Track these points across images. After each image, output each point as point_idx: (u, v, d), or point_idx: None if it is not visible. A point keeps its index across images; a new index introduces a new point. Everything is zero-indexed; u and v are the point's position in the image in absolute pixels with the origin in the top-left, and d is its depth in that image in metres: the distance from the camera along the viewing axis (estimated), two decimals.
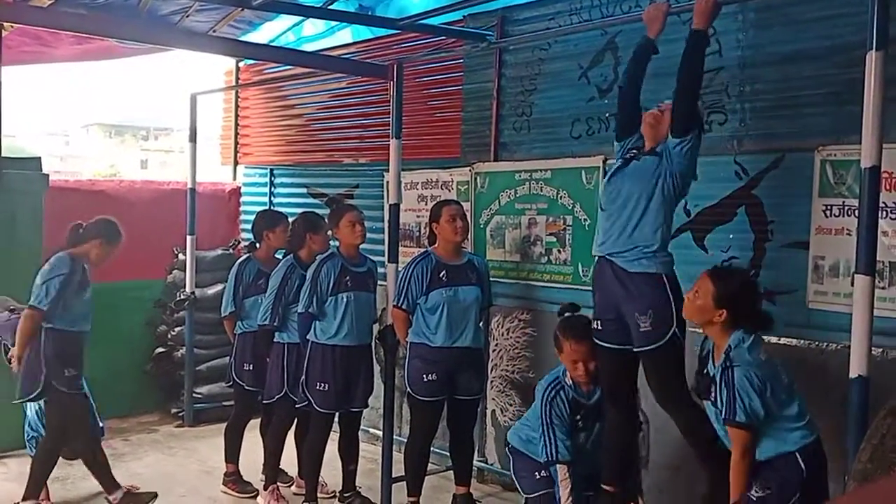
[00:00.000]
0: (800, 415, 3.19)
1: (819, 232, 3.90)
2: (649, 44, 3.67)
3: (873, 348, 3.21)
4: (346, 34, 6.56)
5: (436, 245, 4.76)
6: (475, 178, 5.53)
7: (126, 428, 6.57)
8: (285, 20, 6.72)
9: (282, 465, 5.26)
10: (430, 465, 4.90)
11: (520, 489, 4.04)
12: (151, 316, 7.10)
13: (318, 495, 4.98)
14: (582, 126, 4.98)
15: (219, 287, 6.46)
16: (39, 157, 6.56)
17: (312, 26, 6.75)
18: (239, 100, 7.76)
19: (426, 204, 5.64)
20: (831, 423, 3.43)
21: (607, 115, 4.80)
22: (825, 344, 3.87)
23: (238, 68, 7.70)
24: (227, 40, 6.49)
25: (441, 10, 5.17)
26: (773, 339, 3.81)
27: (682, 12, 3.82)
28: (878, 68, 3.08)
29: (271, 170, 7.45)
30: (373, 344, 5.07)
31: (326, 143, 6.91)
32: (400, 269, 4.87)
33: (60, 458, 4.96)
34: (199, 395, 6.83)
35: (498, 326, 5.41)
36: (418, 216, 5.84)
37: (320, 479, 5.03)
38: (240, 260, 5.44)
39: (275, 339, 5.05)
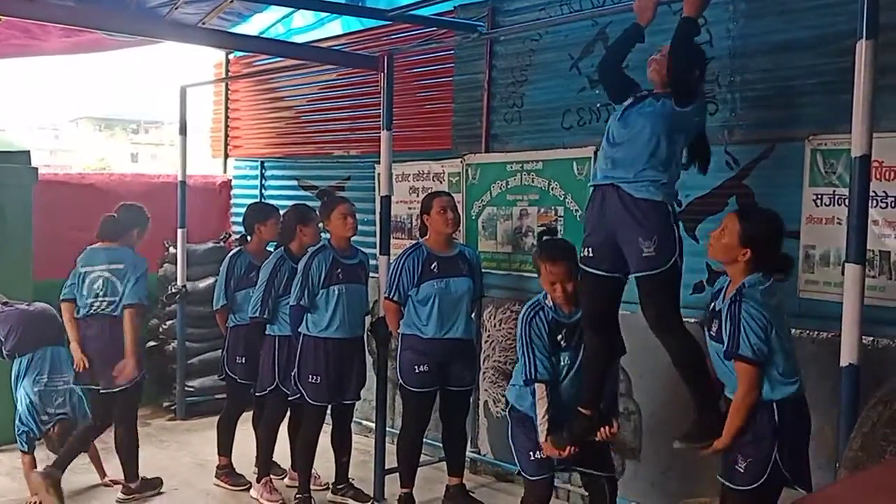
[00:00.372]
0: (793, 370, 3.19)
1: (810, 221, 3.91)
2: (638, 30, 3.65)
3: (864, 337, 3.22)
4: (335, 26, 6.54)
5: (427, 237, 4.75)
6: (466, 170, 5.53)
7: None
8: (274, 12, 6.68)
9: (274, 458, 5.26)
10: (422, 456, 4.91)
11: (517, 461, 3.98)
12: None
13: (311, 487, 4.98)
14: (573, 117, 4.98)
15: (210, 280, 6.45)
16: (29, 151, 6.52)
17: (302, 18, 6.72)
18: (229, 92, 7.74)
19: (417, 196, 5.63)
20: (822, 411, 3.44)
21: (598, 105, 4.80)
22: (816, 333, 3.88)
23: (228, 60, 7.67)
24: (217, 32, 6.46)
25: (431, 0, 5.15)
26: None
27: (673, 2, 3.81)
28: (868, 57, 3.08)
29: (262, 162, 7.43)
30: (365, 336, 5.06)
31: (317, 135, 6.89)
32: (391, 260, 4.86)
33: (50, 453, 4.98)
34: (192, 389, 6.82)
35: (490, 318, 5.42)
36: (410, 208, 5.83)
37: (313, 471, 5.03)
38: (231, 253, 5.43)
39: (266, 332, 5.04)
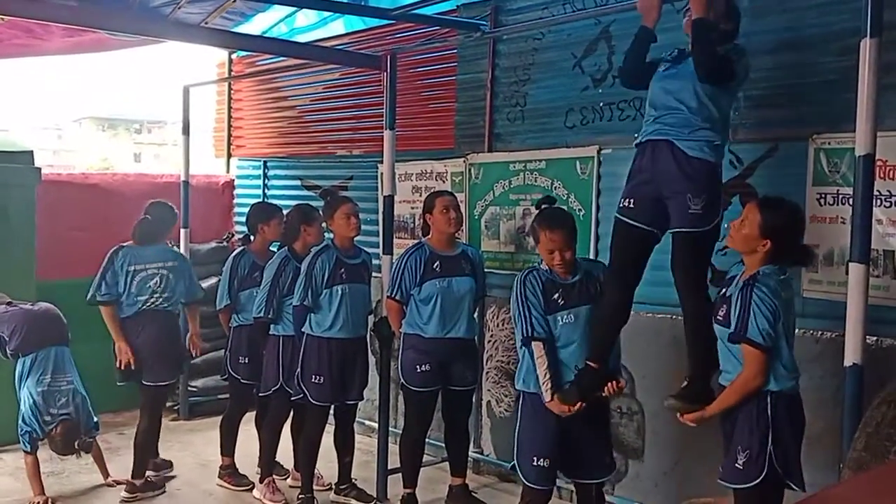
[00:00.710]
0: (790, 365, 3.18)
1: (813, 220, 3.89)
2: (648, 33, 3.63)
3: (868, 337, 3.21)
4: (338, 25, 6.53)
5: (429, 236, 4.75)
6: (469, 169, 5.52)
7: (121, 422, 6.54)
8: (277, 11, 6.69)
9: (277, 458, 5.26)
10: (425, 456, 4.90)
11: (516, 459, 3.90)
12: None
13: (314, 488, 4.98)
14: (576, 116, 4.97)
15: (213, 280, 6.44)
16: (32, 151, 6.52)
17: (305, 17, 6.72)
18: (232, 92, 7.74)
19: (420, 195, 5.63)
20: (826, 411, 3.43)
21: (601, 104, 4.79)
22: (820, 332, 3.87)
23: (231, 60, 7.67)
24: (220, 31, 6.47)
25: None
26: None
27: (676, 0, 3.80)
28: (872, 56, 3.07)
29: (265, 162, 7.42)
30: (368, 336, 5.06)
31: (320, 134, 6.89)
32: (394, 260, 4.85)
33: (53, 453, 5.00)
34: (195, 389, 6.82)
35: (493, 317, 5.41)
36: (413, 207, 5.83)
37: (316, 471, 5.03)
38: (234, 253, 5.43)
39: (270, 332, 5.04)
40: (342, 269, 4.79)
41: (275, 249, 5.28)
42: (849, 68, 3.39)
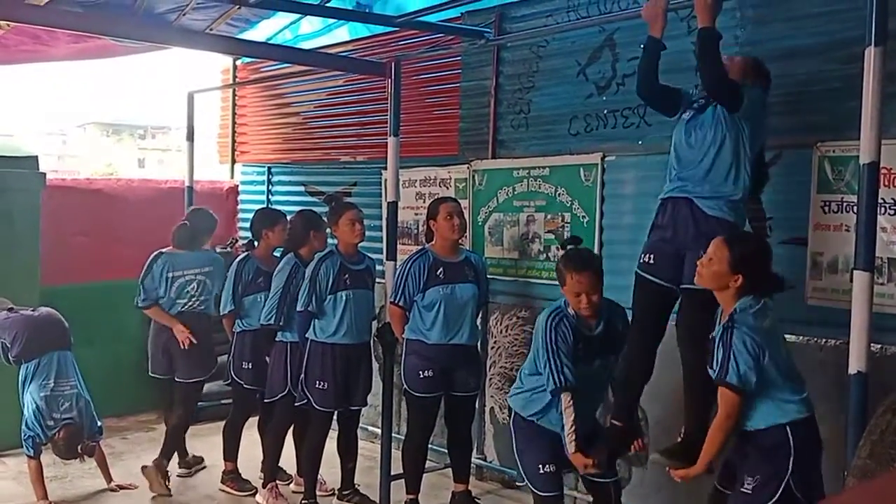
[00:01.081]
0: (796, 390, 3.16)
1: (818, 228, 3.90)
2: (656, 44, 3.59)
3: (872, 344, 3.21)
4: (343, 32, 6.55)
5: (433, 242, 4.75)
6: (473, 176, 5.53)
7: (124, 426, 6.56)
8: (282, 18, 6.70)
9: (280, 464, 5.26)
10: (428, 462, 4.90)
11: (523, 475, 3.89)
12: None
13: (317, 493, 4.97)
14: (580, 123, 4.97)
15: None
16: (36, 156, 6.53)
17: (309, 24, 6.73)
18: (236, 98, 7.75)
19: (424, 201, 5.63)
20: (830, 419, 3.42)
21: (605, 111, 4.80)
22: (824, 340, 3.86)
23: (235, 66, 7.69)
24: (224, 38, 6.48)
25: (439, 7, 5.16)
26: None
27: (680, 8, 3.81)
28: (876, 64, 3.07)
29: (269, 168, 7.44)
30: (372, 342, 5.06)
31: (324, 140, 6.90)
32: (398, 266, 4.86)
33: (56, 458, 5.01)
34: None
35: (496, 324, 5.41)
36: (416, 214, 5.83)
37: (319, 477, 5.02)
38: (239, 258, 5.43)
39: (277, 338, 5.03)
40: (346, 275, 4.80)
41: (278, 255, 5.28)
42: (853, 76, 3.39)
